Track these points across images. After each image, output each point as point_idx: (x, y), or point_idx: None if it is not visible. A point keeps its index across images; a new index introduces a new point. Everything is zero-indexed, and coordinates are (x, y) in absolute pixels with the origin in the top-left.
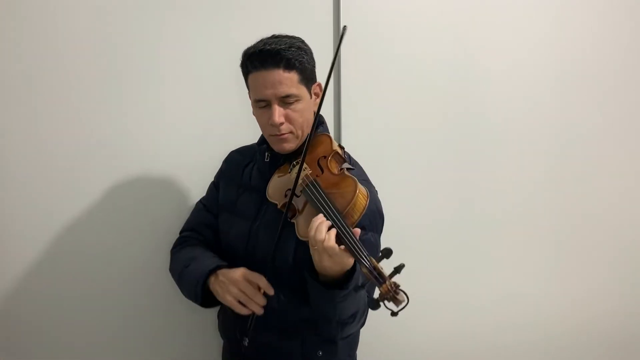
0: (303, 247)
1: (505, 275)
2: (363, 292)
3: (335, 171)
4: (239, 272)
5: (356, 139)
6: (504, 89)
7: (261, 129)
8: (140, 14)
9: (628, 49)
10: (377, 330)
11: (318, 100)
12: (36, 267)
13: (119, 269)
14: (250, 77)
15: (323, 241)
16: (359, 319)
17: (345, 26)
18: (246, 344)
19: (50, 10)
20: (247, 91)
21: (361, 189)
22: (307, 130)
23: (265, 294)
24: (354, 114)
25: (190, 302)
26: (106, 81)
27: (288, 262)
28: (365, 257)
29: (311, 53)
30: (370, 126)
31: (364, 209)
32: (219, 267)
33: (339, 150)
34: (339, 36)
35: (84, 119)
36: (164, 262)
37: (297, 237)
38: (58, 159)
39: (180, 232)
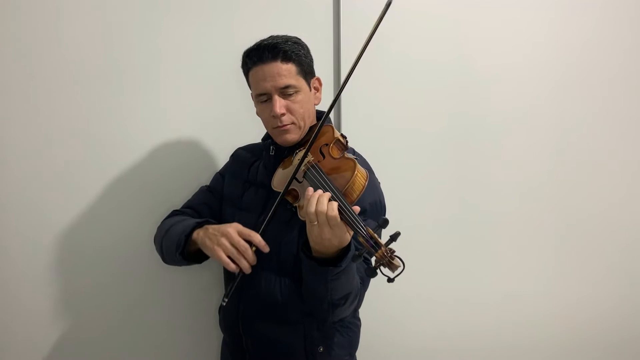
0: (305, 237)
1: (505, 275)
2: (355, 274)
3: (336, 156)
4: (232, 226)
5: (356, 138)
6: (504, 88)
7: (265, 125)
8: (140, 14)
9: (628, 48)
10: (376, 331)
11: (319, 95)
12: (35, 267)
13: (119, 265)
14: (251, 73)
15: (325, 212)
16: (351, 302)
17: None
18: (224, 303)
19: (50, 8)
20: (249, 91)
21: (360, 169)
22: (309, 122)
23: (257, 251)
24: (355, 112)
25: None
26: (106, 81)
27: (292, 252)
28: (362, 227)
29: (308, 49)
30: (371, 125)
31: (363, 188)
32: (208, 222)
33: (341, 139)
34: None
35: (85, 117)
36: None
37: (301, 228)
38: (58, 158)
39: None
